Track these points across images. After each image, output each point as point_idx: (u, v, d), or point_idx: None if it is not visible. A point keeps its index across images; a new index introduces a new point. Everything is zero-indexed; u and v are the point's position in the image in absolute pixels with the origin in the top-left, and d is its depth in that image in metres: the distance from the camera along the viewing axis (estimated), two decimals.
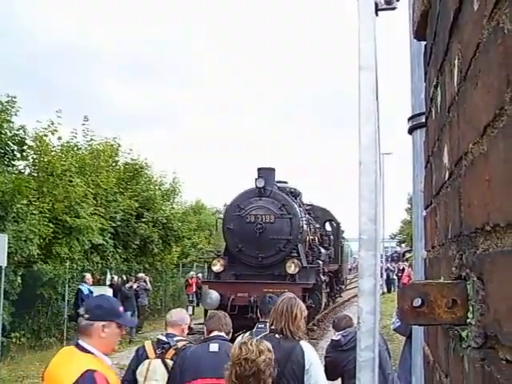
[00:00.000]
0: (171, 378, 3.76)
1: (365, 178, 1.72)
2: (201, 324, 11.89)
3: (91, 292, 12.48)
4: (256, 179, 13.61)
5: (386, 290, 28.60)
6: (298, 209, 14.22)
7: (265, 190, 13.55)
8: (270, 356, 2.89)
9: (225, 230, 14.04)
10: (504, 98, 0.60)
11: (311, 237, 15.89)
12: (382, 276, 26.07)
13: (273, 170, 14.12)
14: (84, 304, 3.43)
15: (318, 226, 18.16)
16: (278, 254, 13.50)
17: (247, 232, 13.36)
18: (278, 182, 14.48)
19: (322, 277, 14.97)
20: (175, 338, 4.10)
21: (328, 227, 20.81)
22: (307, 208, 17.09)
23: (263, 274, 13.23)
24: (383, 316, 13.82)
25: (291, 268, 13.12)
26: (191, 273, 23.39)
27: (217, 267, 13.57)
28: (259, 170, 13.86)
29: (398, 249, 56.45)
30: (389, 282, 30.58)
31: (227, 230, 13.89)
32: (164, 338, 4.10)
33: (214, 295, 12.52)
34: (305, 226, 14.73)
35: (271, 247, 13.47)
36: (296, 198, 15.29)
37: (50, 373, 2.76)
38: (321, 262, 15.45)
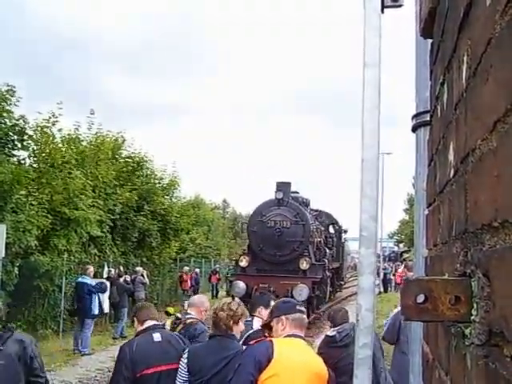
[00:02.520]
0: (116, 369, 3.95)
1: (367, 175, 1.71)
2: None
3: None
4: (275, 192, 16.38)
5: (382, 289, 28.64)
6: (309, 216, 16.98)
7: (282, 201, 16.33)
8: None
9: (249, 232, 16.79)
10: None
11: (318, 239, 18.32)
12: (378, 275, 26.19)
13: (289, 183, 16.93)
14: None
15: (323, 228, 20.65)
16: (292, 253, 16.09)
17: (268, 235, 16.06)
18: (291, 192, 17.06)
19: (327, 273, 17.50)
20: (187, 316, 4.73)
21: (331, 229, 23.25)
22: (314, 214, 19.71)
23: (280, 269, 15.73)
24: (379, 316, 13.95)
25: (303, 264, 15.73)
26: (186, 268, 23.15)
27: (243, 263, 16.20)
28: (278, 183, 16.60)
29: (396, 249, 56.49)
30: (386, 282, 30.62)
31: (251, 233, 16.60)
32: (179, 315, 4.85)
33: (241, 285, 15.16)
34: (314, 231, 17.42)
35: (287, 247, 16.10)
36: (307, 207, 18.06)
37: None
38: (326, 260, 18.06)
